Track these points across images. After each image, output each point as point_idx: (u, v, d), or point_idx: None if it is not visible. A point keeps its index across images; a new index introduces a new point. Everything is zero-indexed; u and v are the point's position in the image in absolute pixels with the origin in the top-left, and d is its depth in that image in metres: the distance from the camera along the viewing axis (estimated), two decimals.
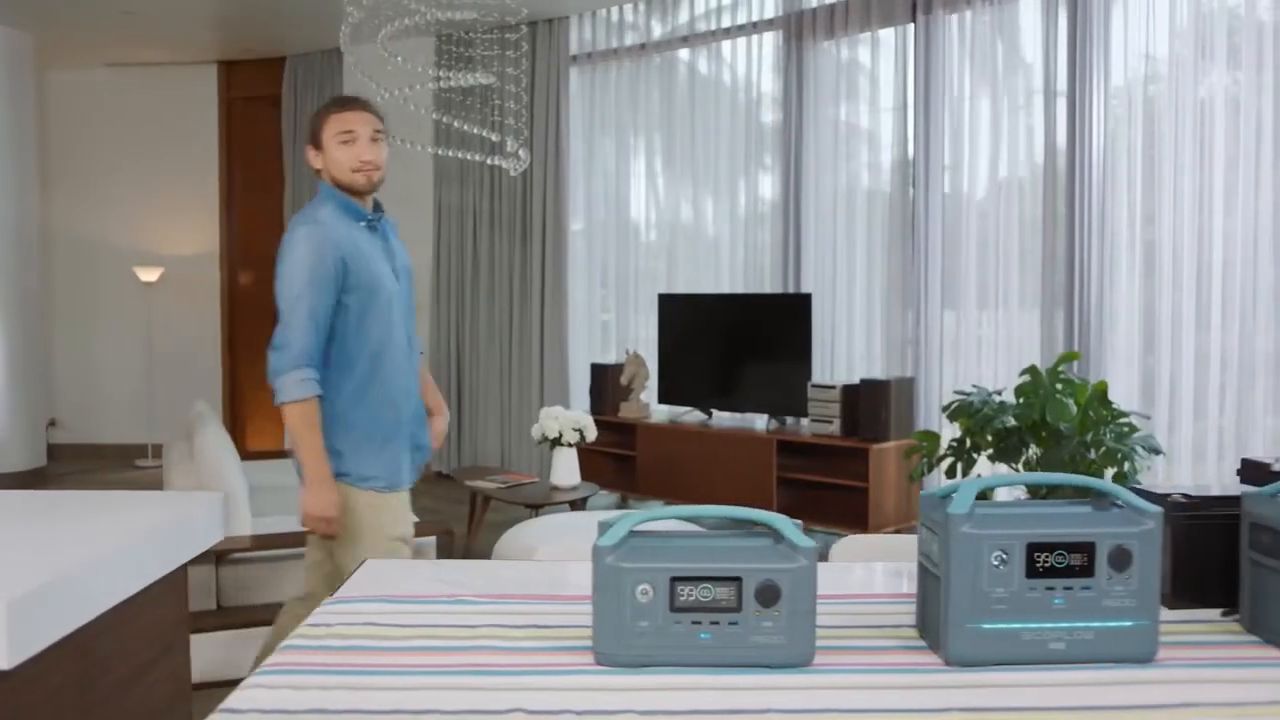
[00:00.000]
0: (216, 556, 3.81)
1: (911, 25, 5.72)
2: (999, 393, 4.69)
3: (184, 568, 2.39)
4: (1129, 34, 5.04)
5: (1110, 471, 4.39)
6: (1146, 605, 1.35)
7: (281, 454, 7.83)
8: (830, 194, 6.18)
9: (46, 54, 8.30)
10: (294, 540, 3.98)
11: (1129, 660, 1.35)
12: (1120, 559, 1.34)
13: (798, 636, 1.31)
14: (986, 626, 1.33)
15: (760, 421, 6.24)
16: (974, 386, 4.78)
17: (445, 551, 4.03)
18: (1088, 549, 1.34)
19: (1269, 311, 4.60)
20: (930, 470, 4.79)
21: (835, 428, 5.66)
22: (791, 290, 6.25)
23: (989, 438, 4.60)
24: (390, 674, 1.32)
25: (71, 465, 8.63)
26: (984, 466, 4.97)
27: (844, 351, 6.17)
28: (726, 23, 6.65)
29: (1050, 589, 1.33)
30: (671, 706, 1.21)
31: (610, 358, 7.22)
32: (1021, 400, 4.51)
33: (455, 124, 5.83)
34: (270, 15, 7.52)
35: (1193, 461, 4.79)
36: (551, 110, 7.29)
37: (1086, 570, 1.34)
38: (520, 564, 1.95)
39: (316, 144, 2.75)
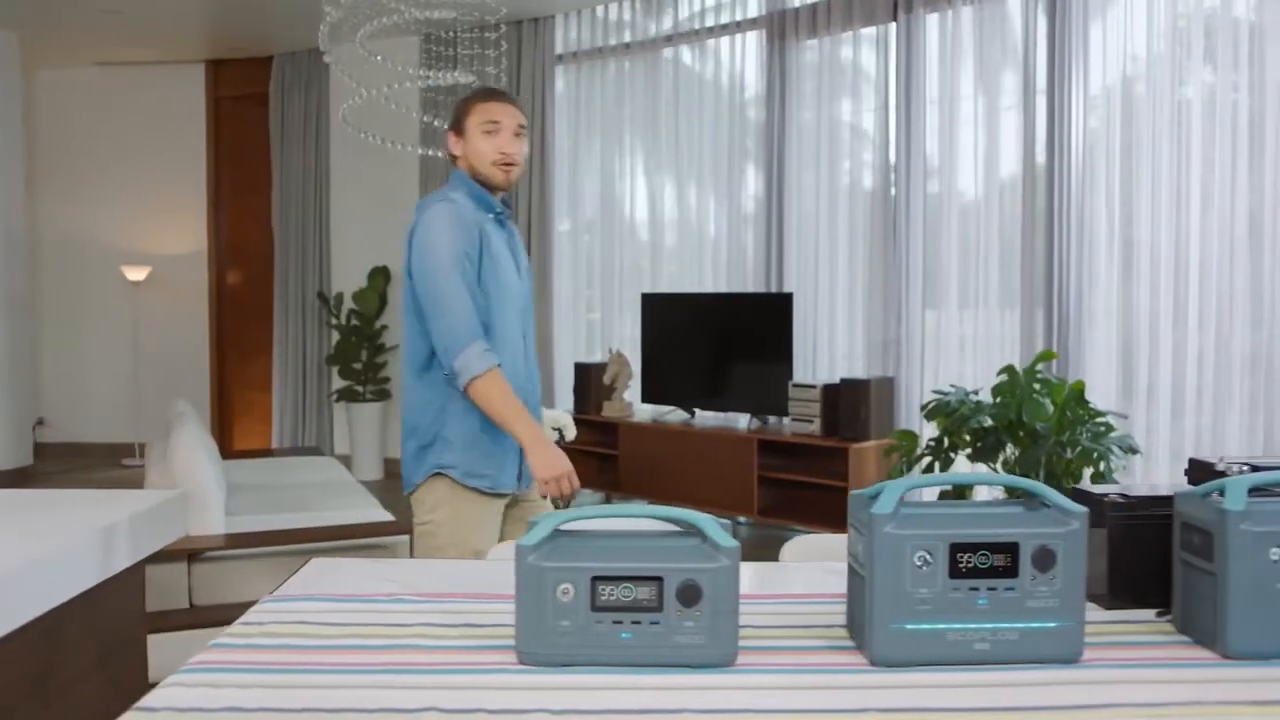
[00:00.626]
0: (189, 555, 3.81)
1: (893, 24, 5.72)
2: (975, 392, 4.70)
3: (141, 566, 2.39)
4: (1108, 34, 5.04)
5: (1088, 471, 4.40)
6: (1071, 606, 1.35)
7: (267, 453, 7.85)
8: (813, 193, 6.18)
9: (34, 53, 8.30)
10: (269, 539, 3.98)
11: (1054, 661, 1.34)
12: (1044, 559, 1.34)
13: (719, 636, 1.31)
14: (910, 627, 1.33)
15: (742, 421, 6.24)
16: (952, 386, 4.78)
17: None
18: (1011, 549, 1.34)
19: (1245, 311, 4.60)
20: (909, 470, 4.79)
21: (816, 427, 5.66)
22: (774, 290, 6.25)
23: (967, 437, 4.61)
24: (312, 672, 1.31)
25: (58, 464, 8.63)
26: (962, 466, 4.98)
27: (826, 351, 6.17)
28: (710, 22, 6.65)
29: (974, 589, 1.33)
30: (586, 706, 1.21)
31: (596, 357, 7.22)
32: (998, 400, 4.52)
33: (437, 123, 5.83)
34: (257, 14, 7.51)
35: (1170, 461, 4.80)
36: (537, 109, 7.29)
37: (1010, 571, 1.34)
38: (468, 563, 1.95)
39: (459, 130, 2.69)
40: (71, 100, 8.90)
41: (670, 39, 6.80)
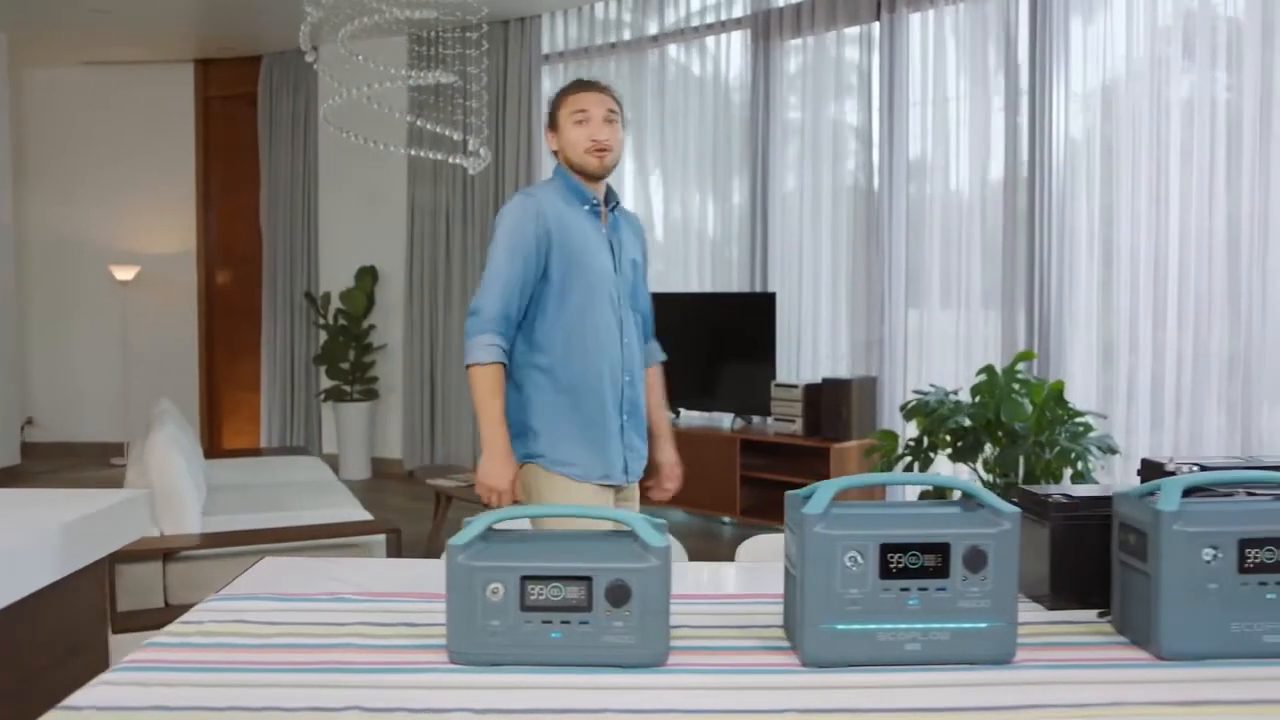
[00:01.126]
0: (164, 555, 3.81)
1: (876, 23, 5.71)
2: (955, 392, 4.69)
3: (103, 564, 2.38)
4: (1090, 35, 5.04)
5: (1068, 471, 4.40)
6: (1003, 606, 1.34)
7: (255, 452, 7.85)
8: (797, 193, 6.19)
9: (22, 52, 8.29)
10: (245, 538, 3.98)
11: (986, 661, 1.34)
12: (975, 560, 1.34)
13: (649, 636, 1.31)
14: (841, 627, 1.33)
15: (726, 420, 6.24)
16: (931, 386, 4.78)
17: (394, 550, 4.03)
18: (942, 550, 1.33)
19: (1223, 312, 4.60)
20: (891, 470, 4.79)
21: (798, 427, 5.66)
22: (758, 289, 6.25)
23: (946, 437, 4.61)
24: (242, 671, 1.32)
25: (47, 464, 8.62)
26: (943, 465, 4.98)
27: (810, 350, 6.17)
28: (696, 22, 6.65)
29: (905, 590, 1.33)
30: (508, 705, 1.21)
31: None
32: (977, 400, 4.51)
33: (419, 123, 5.82)
34: (245, 14, 7.51)
35: None
36: (524, 109, 7.29)
37: (941, 571, 1.34)
38: (419, 562, 1.95)
39: (554, 125, 2.71)
40: (60, 100, 8.89)
41: (656, 39, 6.80)
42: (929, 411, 4.58)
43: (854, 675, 1.30)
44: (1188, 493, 1.61)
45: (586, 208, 2.69)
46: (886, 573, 1.33)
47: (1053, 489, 1.67)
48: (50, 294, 8.98)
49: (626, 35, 6.97)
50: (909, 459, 4.69)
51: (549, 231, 2.60)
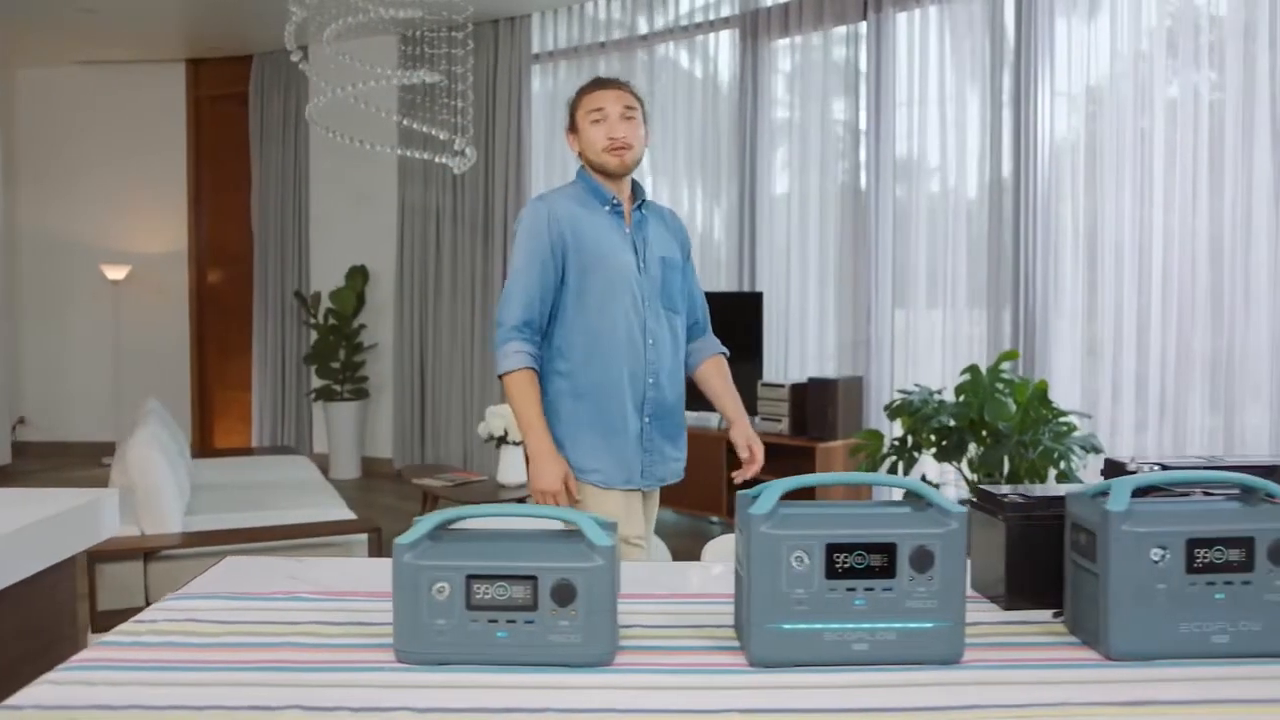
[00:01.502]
0: (145, 554, 3.81)
1: (863, 23, 5.71)
2: (939, 392, 4.69)
3: (71, 563, 2.38)
4: (1075, 34, 5.04)
5: (1052, 471, 4.40)
6: (950, 606, 1.34)
7: (245, 451, 7.84)
8: (785, 192, 6.19)
9: (14, 51, 8.29)
10: (226, 537, 3.99)
11: (934, 662, 1.34)
12: (921, 560, 1.34)
13: (595, 636, 1.31)
14: (788, 627, 1.33)
15: (714, 420, 6.23)
16: (916, 386, 4.78)
17: (375, 550, 4.03)
18: (888, 550, 1.33)
19: (1206, 312, 4.60)
20: (875, 469, 4.79)
21: (784, 426, 5.66)
22: (746, 288, 6.25)
23: (931, 437, 4.61)
24: (188, 670, 1.32)
25: (39, 463, 8.62)
26: (928, 465, 4.99)
27: (797, 350, 6.17)
28: (685, 21, 6.65)
29: (851, 590, 1.33)
30: (451, 704, 1.21)
31: None
32: (961, 399, 4.51)
33: (406, 123, 5.82)
34: (235, 14, 7.50)
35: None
36: (514, 109, 7.29)
37: (887, 571, 1.33)
38: (382, 561, 1.94)
39: (573, 127, 2.68)
40: (51, 99, 8.89)
41: (646, 38, 6.80)
42: (913, 411, 4.58)
43: (801, 675, 1.30)
44: (1146, 492, 1.62)
45: (607, 208, 2.64)
46: (833, 573, 1.33)
47: (1009, 488, 1.67)
48: (42, 293, 8.98)
49: (616, 35, 6.97)
50: (893, 459, 4.70)
51: (563, 235, 2.57)
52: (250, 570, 1.82)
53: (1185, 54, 4.68)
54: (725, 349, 2.90)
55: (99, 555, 3.68)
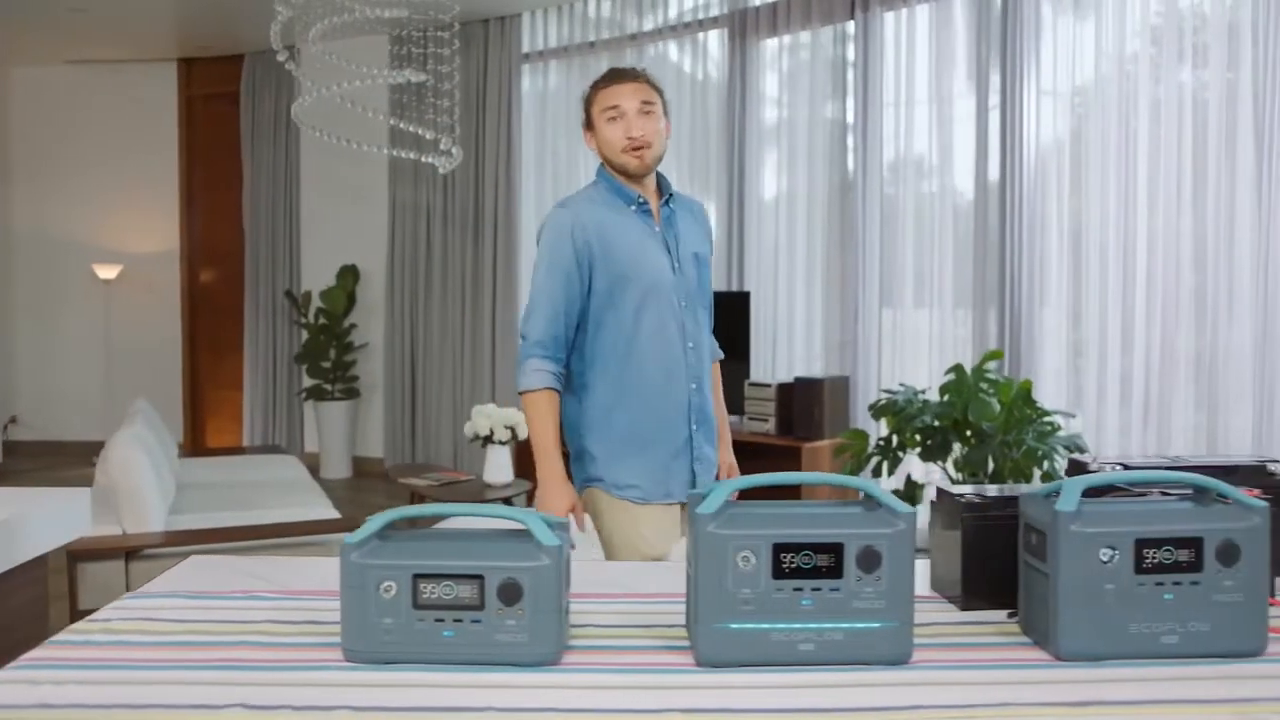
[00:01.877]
0: (126, 553, 3.80)
1: (851, 22, 5.71)
2: (923, 391, 4.69)
3: (42, 562, 2.39)
4: (1061, 34, 5.04)
5: (1037, 471, 4.39)
6: (898, 606, 1.34)
7: (236, 451, 7.84)
8: (773, 191, 6.18)
9: (5, 50, 8.28)
10: (209, 536, 3.99)
11: (881, 662, 1.34)
12: (869, 560, 1.34)
13: (541, 635, 1.31)
14: (735, 627, 1.33)
15: None
16: (901, 385, 4.78)
17: None
18: (835, 550, 1.33)
19: (1190, 311, 4.60)
20: (861, 469, 4.79)
21: (771, 426, 5.65)
22: (734, 288, 6.24)
23: (916, 436, 4.61)
24: (137, 669, 1.32)
25: (31, 462, 8.61)
26: (912, 465, 4.98)
27: (784, 349, 6.16)
28: (674, 20, 6.65)
29: (798, 590, 1.33)
30: (392, 703, 1.21)
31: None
32: (945, 399, 4.51)
33: (393, 122, 5.82)
34: (226, 13, 7.49)
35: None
36: (504, 108, 7.29)
37: (835, 571, 1.34)
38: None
39: (589, 125, 2.51)
40: (43, 98, 8.88)
41: (635, 37, 6.79)
42: (897, 411, 4.58)
43: (747, 675, 1.30)
44: (1105, 492, 1.62)
45: (633, 208, 2.48)
46: (779, 573, 1.33)
47: (968, 488, 1.67)
48: (34, 293, 8.98)
49: (606, 34, 6.97)
50: (878, 458, 4.69)
51: (589, 243, 2.42)
52: (212, 569, 1.82)
53: (1170, 54, 4.68)
54: (722, 352, 2.77)
55: (80, 554, 3.68)
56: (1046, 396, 4.93)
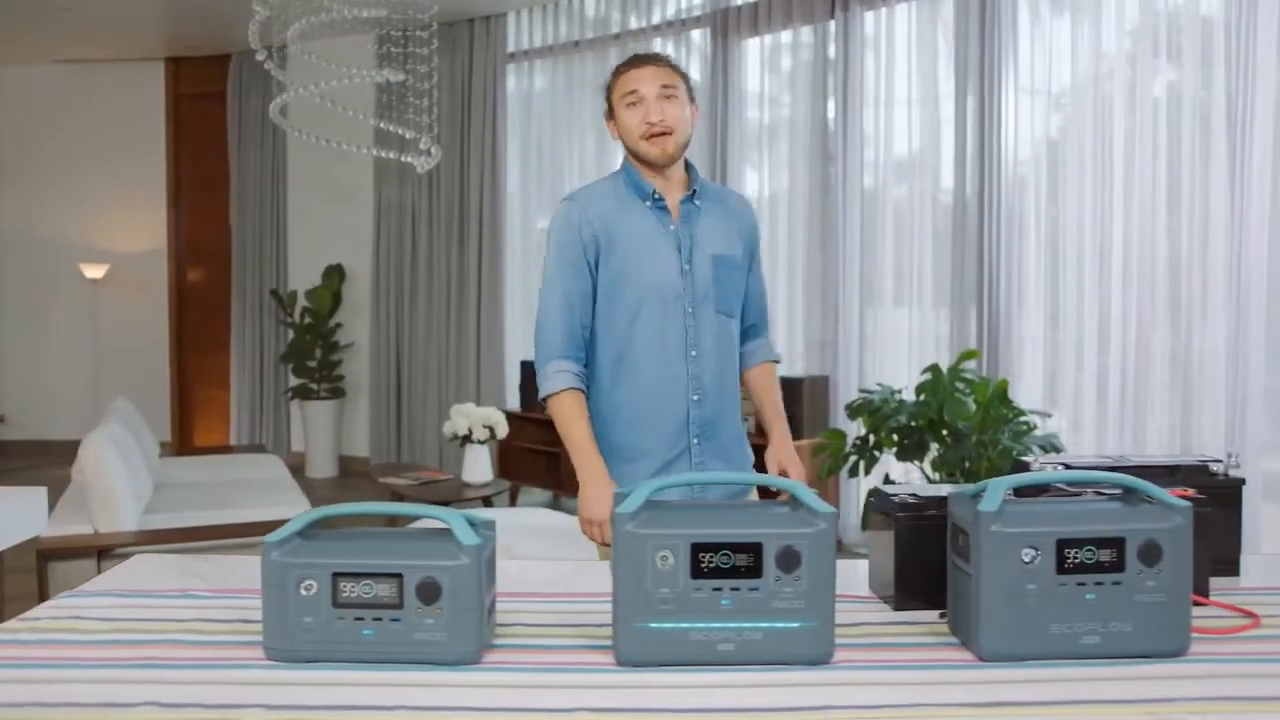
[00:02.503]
0: (99, 552, 3.81)
1: (832, 22, 5.71)
2: (899, 391, 4.70)
3: None
4: (1038, 35, 5.04)
5: None
6: (818, 607, 1.35)
7: (223, 450, 7.84)
8: (755, 191, 6.19)
9: None
10: (181, 535, 3.99)
11: (801, 662, 1.34)
12: (788, 560, 1.34)
13: (461, 634, 1.32)
14: (654, 626, 1.33)
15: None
16: (878, 385, 4.79)
17: None
18: (755, 550, 1.34)
19: (1165, 311, 4.60)
20: (839, 469, 4.79)
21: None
22: None
23: (893, 436, 4.61)
24: (55, 667, 1.32)
25: (19, 461, 8.61)
26: (890, 465, 4.99)
27: None
28: (657, 20, 6.66)
29: (717, 589, 1.34)
30: (304, 701, 1.21)
31: None
32: (921, 398, 4.52)
33: (375, 122, 5.82)
34: (212, 13, 7.50)
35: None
36: (489, 108, 7.29)
37: (754, 571, 1.34)
38: None
39: (610, 114, 2.40)
40: (31, 97, 8.88)
41: (619, 36, 6.80)
42: (873, 410, 4.58)
43: (665, 675, 1.30)
44: (1040, 492, 1.62)
45: (648, 203, 2.35)
46: (698, 572, 1.33)
47: (904, 489, 1.67)
48: (21, 292, 8.98)
49: (590, 34, 6.97)
50: (855, 458, 4.70)
51: (596, 237, 2.32)
52: (155, 568, 1.82)
53: (1146, 54, 4.68)
54: (777, 355, 2.61)
55: (51, 553, 3.69)
56: (1025, 396, 4.93)
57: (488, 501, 5.25)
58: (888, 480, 4.76)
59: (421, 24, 5.43)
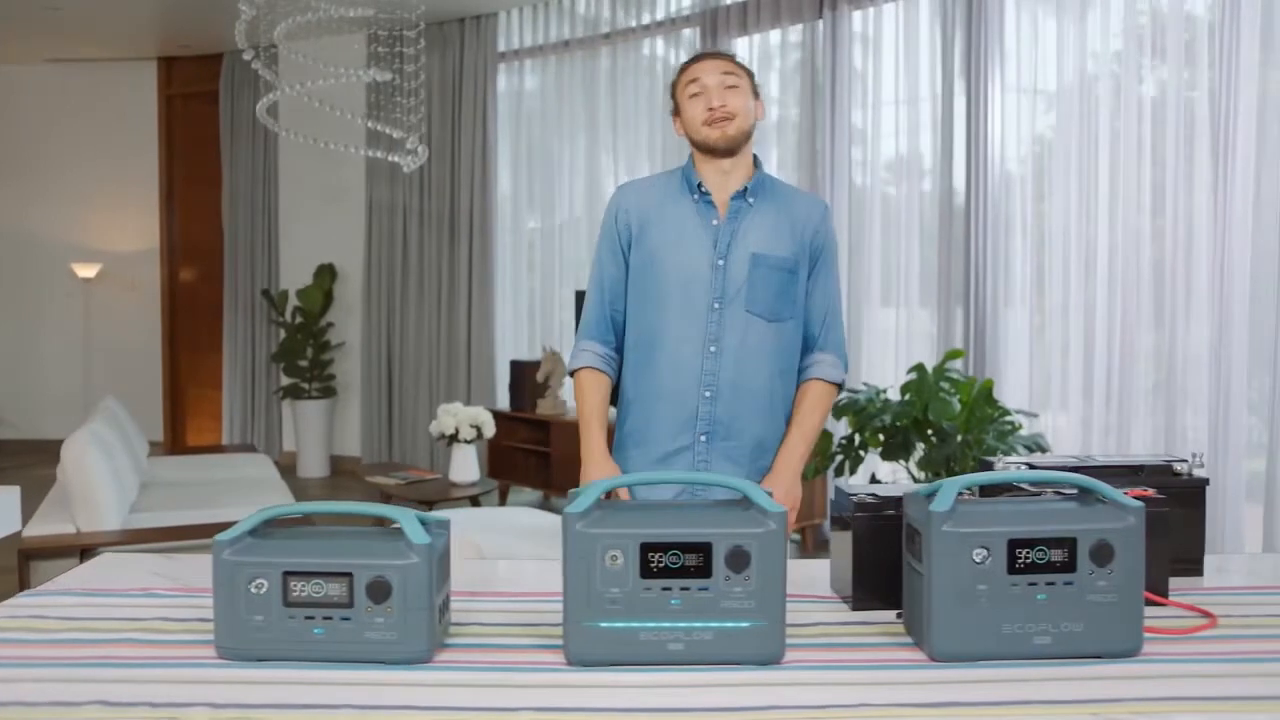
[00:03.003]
0: (81, 551, 3.81)
1: (820, 21, 5.72)
2: (884, 391, 4.70)
3: None
4: (1025, 34, 5.05)
5: None
6: (768, 606, 1.35)
7: (215, 449, 7.85)
8: None
9: None
10: (163, 535, 4.00)
11: (751, 662, 1.34)
12: (737, 560, 1.34)
13: (411, 633, 1.32)
14: (604, 625, 1.33)
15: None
16: (864, 384, 4.79)
17: None
18: (704, 549, 1.34)
19: (1150, 311, 4.61)
20: (826, 468, 4.79)
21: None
22: None
23: (879, 436, 4.61)
24: (8, 666, 1.32)
25: (10, 460, 8.61)
26: (876, 464, 5.00)
27: None
28: (647, 19, 6.66)
29: (666, 589, 1.34)
30: (250, 699, 1.21)
31: (537, 354, 7.23)
32: (906, 398, 4.52)
33: (364, 121, 5.83)
34: (205, 12, 7.50)
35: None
36: (479, 107, 7.30)
37: (703, 571, 1.34)
38: None
39: (676, 110, 2.43)
40: (22, 96, 8.89)
41: (609, 36, 6.80)
42: (858, 410, 4.59)
43: (614, 674, 1.31)
44: (999, 491, 1.63)
45: (695, 196, 2.35)
46: (647, 572, 1.33)
47: (863, 488, 1.67)
48: (13, 291, 8.98)
49: (581, 33, 6.97)
50: (841, 458, 4.70)
51: (629, 226, 2.38)
52: (119, 567, 1.82)
53: (1132, 55, 4.68)
54: (835, 376, 2.41)
55: (32, 552, 3.69)
56: (1010, 396, 4.94)
57: (475, 501, 5.25)
58: (874, 480, 4.76)
59: (410, 24, 5.44)
